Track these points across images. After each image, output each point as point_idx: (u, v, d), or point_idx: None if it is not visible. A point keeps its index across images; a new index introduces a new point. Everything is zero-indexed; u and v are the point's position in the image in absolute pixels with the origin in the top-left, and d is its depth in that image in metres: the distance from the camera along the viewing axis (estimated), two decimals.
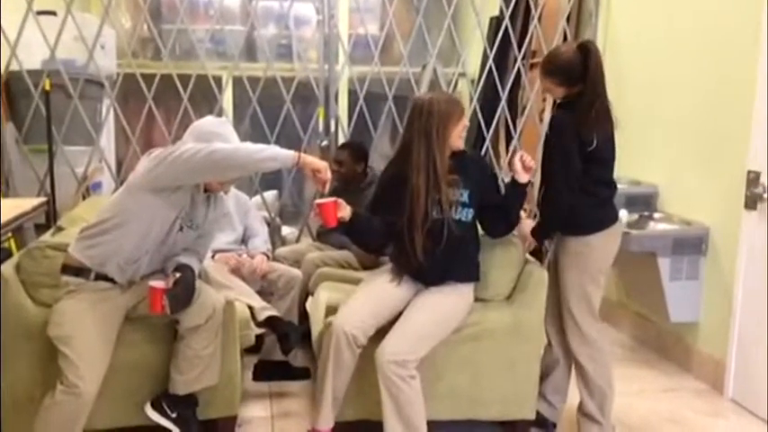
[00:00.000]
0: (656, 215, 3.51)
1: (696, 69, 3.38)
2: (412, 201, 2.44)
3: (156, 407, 2.44)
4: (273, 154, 2.20)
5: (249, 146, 2.23)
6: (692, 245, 3.25)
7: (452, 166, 2.51)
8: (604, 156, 2.52)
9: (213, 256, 3.10)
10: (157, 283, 2.23)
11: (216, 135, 2.30)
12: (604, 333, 2.65)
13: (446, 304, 2.50)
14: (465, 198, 2.51)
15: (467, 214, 2.52)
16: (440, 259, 2.49)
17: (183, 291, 2.26)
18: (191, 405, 2.47)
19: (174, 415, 2.43)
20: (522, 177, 2.49)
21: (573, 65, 2.46)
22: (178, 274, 2.27)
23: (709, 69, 3.28)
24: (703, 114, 3.32)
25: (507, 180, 2.62)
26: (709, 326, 3.30)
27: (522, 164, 2.47)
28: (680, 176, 3.50)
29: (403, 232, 2.48)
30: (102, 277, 2.29)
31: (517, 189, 2.53)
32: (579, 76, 2.45)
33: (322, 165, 2.27)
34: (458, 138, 2.51)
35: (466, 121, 2.56)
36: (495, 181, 2.69)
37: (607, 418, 2.64)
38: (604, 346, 2.62)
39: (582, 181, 2.48)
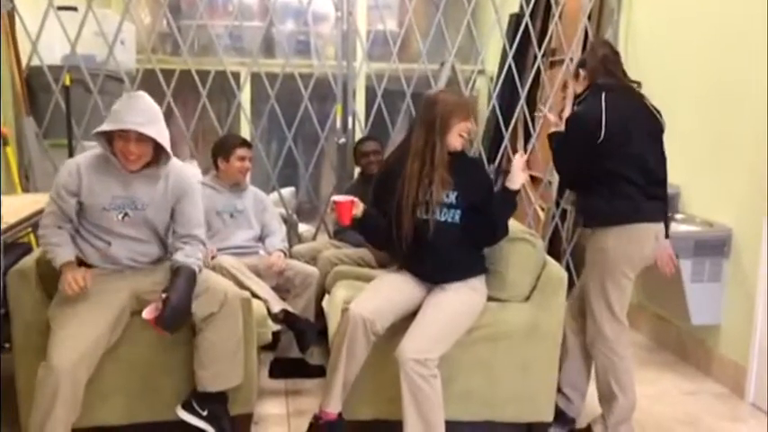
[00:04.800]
0: (678, 216, 3.47)
1: (719, 68, 3.32)
2: (403, 186, 2.48)
3: (187, 407, 2.45)
4: (53, 257, 2.33)
5: (49, 242, 2.35)
6: (714, 247, 3.20)
7: (447, 165, 2.49)
8: (616, 149, 2.51)
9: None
10: (148, 312, 2.26)
11: (114, 113, 2.29)
12: (625, 336, 2.62)
13: (460, 300, 2.48)
14: (452, 199, 2.49)
15: (453, 215, 2.49)
16: (433, 260, 2.51)
17: (172, 313, 2.25)
18: (221, 401, 2.48)
19: (204, 413, 2.44)
20: (516, 178, 2.44)
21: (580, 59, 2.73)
22: (164, 295, 2.27)
23: (732, 68, 3.23)
24: (726, 114, 3.26)
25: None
26: (731, 329, 3.25)
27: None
28: (702, 177, 3.45)
29: (391, 220, 2.51)
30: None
31: (506, 195, 2.48)
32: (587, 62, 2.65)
33: (70, 275, 2.27)
34: (457, 136, 2.48)
35: (470, 124, 2.51)
36: (489, 186, 2.59)
37: (614, 423, 2.61)
38: (620, 349, 2.59)
39: (592, 171, 2.55)
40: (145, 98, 2.35)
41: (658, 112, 2.65)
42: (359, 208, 2.50)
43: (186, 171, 2.52)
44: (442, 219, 2.49)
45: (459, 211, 2.49)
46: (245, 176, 3.31)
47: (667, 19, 3.81)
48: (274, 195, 4.18)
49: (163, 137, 2.31)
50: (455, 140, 2.49)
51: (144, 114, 2.28)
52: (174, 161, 2.48)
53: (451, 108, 2.48)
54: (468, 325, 2.49)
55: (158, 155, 2.38)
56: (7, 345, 2.55)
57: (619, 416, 2.61)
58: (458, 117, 2.48)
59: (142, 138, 2.27)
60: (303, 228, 4.50)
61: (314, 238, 4.23)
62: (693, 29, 3.56)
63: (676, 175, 3.71)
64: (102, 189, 2.35)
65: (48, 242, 2.36)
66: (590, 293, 2.61)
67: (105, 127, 2.28)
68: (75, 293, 2.23)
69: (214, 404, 2.45)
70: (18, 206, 2.68)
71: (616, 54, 2.69)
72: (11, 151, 3.60)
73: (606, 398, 2.63)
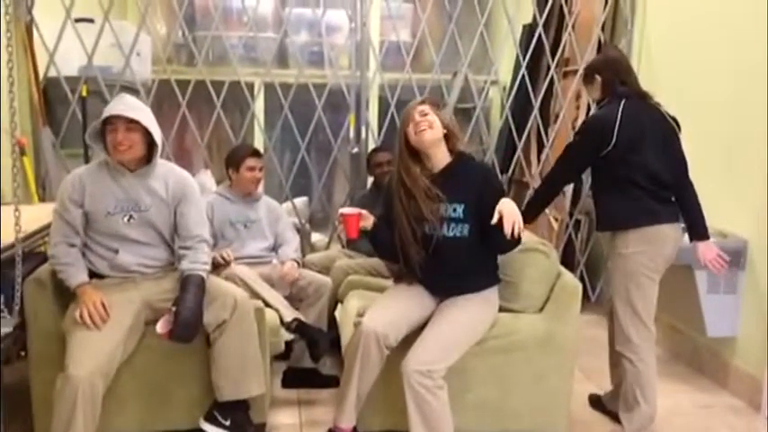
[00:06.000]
0: None
1: (734, 77, 3.30)
2: (398, 220, 2.46)
3: (210, 419, 2.47)
4: (66, 277, 2.39)
5: (60, 263, 2.39)
6: (729, 258, 3.16)
7: (448, 175, 2.45)
8: (625, 155, 2.55)
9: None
10: (161, 327, 2.31)
11: (104, 113, 2.37)
12: (651, 343, 2.63)
13: (470, 312, 2.46)
14: (459, 213, 2.42)
15: (462, 230, 2.42)
16: (443, 274, 2.48)
17: (184, 326, 2.29)
18: (242, 409, 2.49)
19: (227, 422, 2.45)
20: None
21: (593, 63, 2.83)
22: (174, 308, 2.31)
23: (747, 78, 3.21)
24: (742, 124, 3.24)
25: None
26: (747, 341, 3.21)
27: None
28: (717, 188, 3.42)
29: (398, 249, 2.49)
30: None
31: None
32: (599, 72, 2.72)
33: (89, 301, 2.30)
34: (414, 135, 2.41)
35: (417, 116, 2.41)
36: (499, 196, 2.34)
37: (632, 428, 2.62)
38: (645, 355, 2.60)
39: (603, 177, 2.64)
40: (129, 96, 2.45)
41: (674, 119, 2.69)
42: (368, 220, 2.48)
43: (184, 173, 2.58)
44: (450, 234, 2.43)
45: (467, 225, 2.42)
46: (256, 186, 3.32)
47: (681, 28, 3.80)
48: (288, 205, 4.20)
49: (149, 122, 2.37)
50: (416, 139, 2.40)
51: (129, 105, 2.36)
52: (172, 165, 2.57)
53: (404, 115, 2.47)
54: (476, 337, 2.46)
55: (151, 155, 2.44)
56: (23, 353, 2.57)
57: (638, 424, 2.61)
58: (412, 110, 2.44)
59: (130, 127, 2.33)
60: (316, 237, 4.51)
61: (327, 247, 4.24)
62: (707, 38, 3.54)
63: None
64: (104, 195, 2.40)
65: (59, 262, 2.39)
66: (615, 299, 2.64)
67: (95, 122, 2.39)
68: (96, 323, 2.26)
69: (236, 413, 2.47)
70: (35, 216, 2.70)
71: (628, 61, 2.80)
72: (28, 161, 3.64)
73: (629, 405, 2.63)
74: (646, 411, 2.59)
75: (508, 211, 2.19)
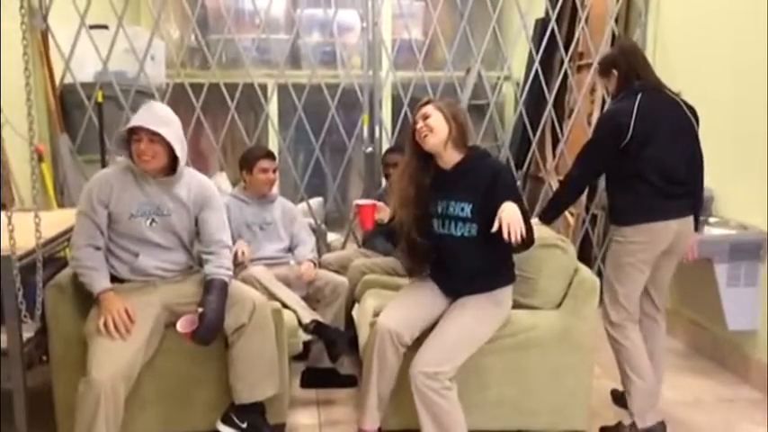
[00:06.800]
0: (712, 220, 3.40)
1: (750, 69, 3.26)
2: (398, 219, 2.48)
3: (227, 421, 2.49)
4: (89, 282, 2.38)
5: (84, 266, 2.38)
6: (749, 250, 3.14)
7: (458, 173, 2.40)
8: (638, 150, 2.54)
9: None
10: (183, 326, 2.33)
11: (131, 121, 2.41)
12: (632, 323, 2.67)
13: (477, 313, 2.42)
14: (466, 213, 2.37)
15: (470, 229, 2.37)
16: (454, 273, 2.46)
17: (208, 328, 2.32)
18: (258, 411, 2.51)
19: (244, 425, 2.48)
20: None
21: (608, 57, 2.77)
22: (200, 310, 2.33)
23: (764, 68, 3.17)
24: (758, 115, 3.20)
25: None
26: None
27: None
28: (736, 180, 3.38)
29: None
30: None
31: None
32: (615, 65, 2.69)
33: (113, 309, 2.29)
34: (420, 140, 2.38)
35: (419, 121, 2.38)
36: (510, 190, 2.31)
37: (638, 408, 2.63)
38: (629, 333, 2.65)
39: (614, 171, 2.65)
40: (158, 104, 2.48)
41: (691, 109, 2.67)
42: (385, 212, 2.49)
43: (206, 180, 2.60)
44: (458, 234, 2.39)
45: (475, 225, 2.37)
46: (270, 188, 3.33)
47: (696, 20, 3.76)
48: (303, 205, 4.21)
49: (173, 137, 2.37)
50: (419, 137, 2.38)
51: (154, 116, 2.38)
52: (194, 172, 2.59)
53: (412, 122, 2.46)
54: (484, 338, 2.43)
55: (175, 164, 2.45)
56: (45, 357, 2.60)
57: (639, 401, 2.63)
58: (415, 114, 2.42)
59: (153, 139, 2.35)
60: (332, 237, 4.52)
61: (343, 246, 4.24)
62: (723, 29, 3.50)
63: (709, 177, 3.65)
64: (129, 197, 2.42)
65: (83, 265, 2.38)
66: (605, 282, 2.70)
67: (120, 130, 2.42)
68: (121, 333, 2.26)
69: (252, 415, 2.49)
70: (54, 221, 2.73)
71: (643, 53, 2.77)
72: (46, 168, 3.69)
73: (625, 385, 2.67)
74: (641, 386, 2.61)
75: (508, 218, 2.10)
